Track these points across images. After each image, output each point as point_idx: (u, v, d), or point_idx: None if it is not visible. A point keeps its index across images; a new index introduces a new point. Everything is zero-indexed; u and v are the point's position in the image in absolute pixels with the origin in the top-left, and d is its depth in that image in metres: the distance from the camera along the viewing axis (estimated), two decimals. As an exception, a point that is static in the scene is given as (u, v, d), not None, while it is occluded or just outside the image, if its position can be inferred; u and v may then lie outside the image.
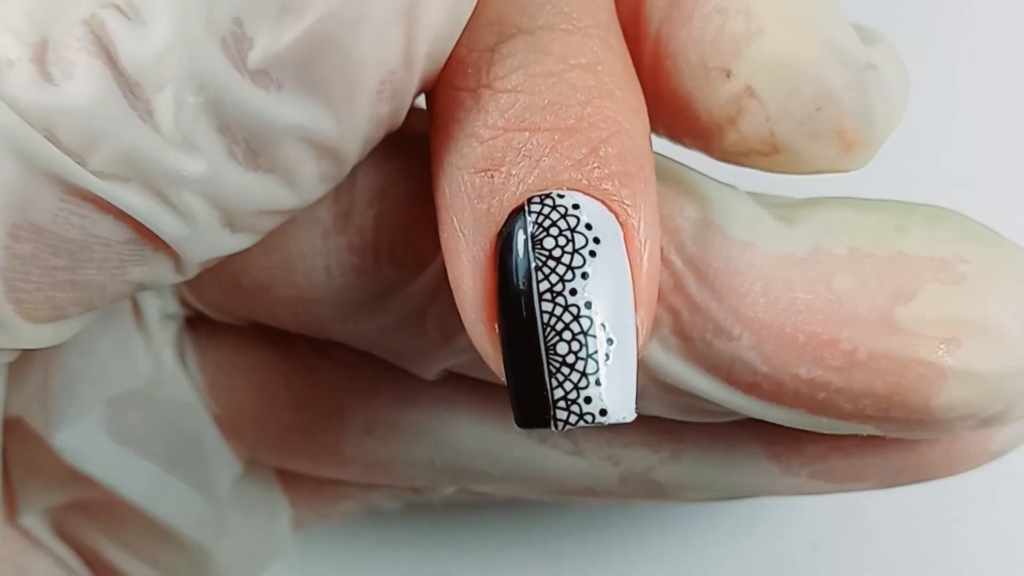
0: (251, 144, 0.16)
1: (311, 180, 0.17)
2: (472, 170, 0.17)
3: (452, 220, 0.17)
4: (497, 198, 0.17)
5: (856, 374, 0.18)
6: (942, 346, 0.18)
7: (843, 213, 0.19)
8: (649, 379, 0.19)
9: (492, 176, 0.16)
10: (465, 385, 0.22)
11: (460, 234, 0.17)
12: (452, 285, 0.17)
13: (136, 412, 0.22)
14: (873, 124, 0.18)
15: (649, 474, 0.23)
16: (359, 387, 0.23)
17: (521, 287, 0.16)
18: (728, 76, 0.18)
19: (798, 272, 0.18)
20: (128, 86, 0.15)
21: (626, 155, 0.17)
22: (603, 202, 0.16)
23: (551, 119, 0.16)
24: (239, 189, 0.16)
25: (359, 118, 0.16)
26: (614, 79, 0.17)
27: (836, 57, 0.18)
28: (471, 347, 0.18)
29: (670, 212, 0.18)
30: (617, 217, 0.17)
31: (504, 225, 0.16)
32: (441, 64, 0.17)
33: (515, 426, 0.17)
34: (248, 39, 0.15)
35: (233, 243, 0.17)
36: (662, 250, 0.18)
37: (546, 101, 0.17)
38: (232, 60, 0.15)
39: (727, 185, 0.19)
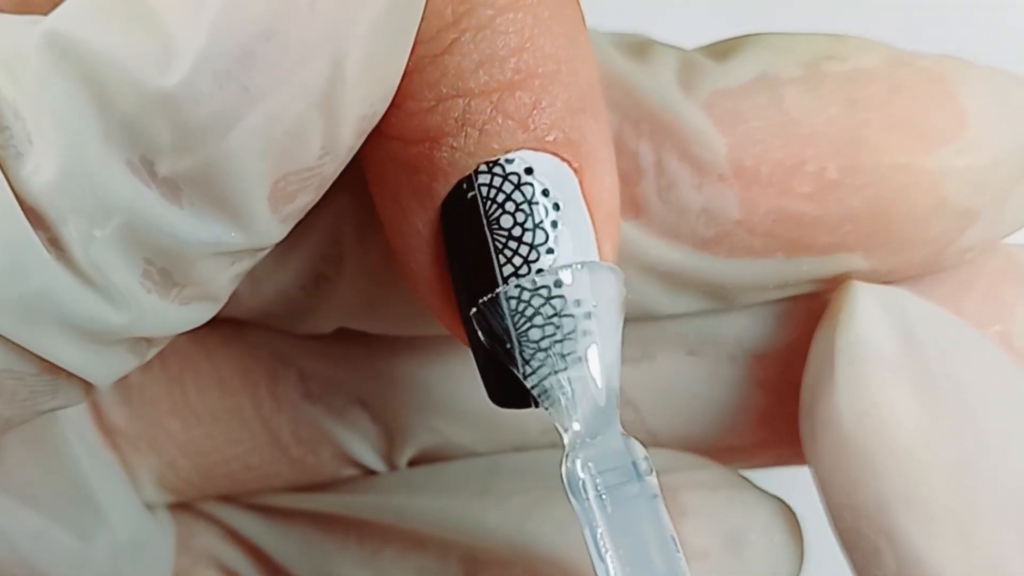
0: (165, 265, 0.15)
1: (228, 283, 0.16)
2: (406, 142, 0.15)
3: (387, 191, 0.16)
4: (440, 173, 0.15)
5: (830, 197, 0.17)
6: (917, 146, 0.17)
7: (780, 37, 0.18)
8: (630, 266, 0.18)
9: (432, 149, 0.15)
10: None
11: (399, 206, 0.16)
12: (398, 259, 0.16)
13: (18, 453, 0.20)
14: None
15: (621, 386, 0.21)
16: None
17: (481, 271, 0.15)
18: None
19: (745, 100, 0.17)
20: (28, 215, 0.14)
21: (571, 94, 0.15)
22: (555, 154, 0.15)
23: (485, 79, 0.15)
24: (158, 321, 0.15)
25: (273, 221, 0.15)
26: (545, 7, 0.15)
27: None
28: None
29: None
30: (570, 165, 0.15)
31: (448, 197, 0.15)
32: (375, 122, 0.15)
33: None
34: (150, 161, 0.14)
35: (149, 355, 0.16)
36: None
37: (477, 60, 0.15)
38: (140, 177, 0.14)
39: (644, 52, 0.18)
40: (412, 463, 0.22)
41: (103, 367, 0.15)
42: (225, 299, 0.16)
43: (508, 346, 0.15)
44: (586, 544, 0.15)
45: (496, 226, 0.15)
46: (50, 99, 0.14)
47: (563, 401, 0.15)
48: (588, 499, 0.15)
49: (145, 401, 0.21)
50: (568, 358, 0.15)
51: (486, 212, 0.15)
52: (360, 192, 0.18)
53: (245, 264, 0.15)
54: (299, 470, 0.22)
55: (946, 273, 0.19)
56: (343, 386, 0.21)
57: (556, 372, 0.15)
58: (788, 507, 0.19)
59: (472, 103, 0.15)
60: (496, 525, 0.20)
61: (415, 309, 0.20)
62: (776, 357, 0.20)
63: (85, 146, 0.14)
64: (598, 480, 0.15)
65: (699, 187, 0.18)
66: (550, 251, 0.15)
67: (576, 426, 0.15)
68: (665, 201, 0.18)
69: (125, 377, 0.20)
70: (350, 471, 0.22)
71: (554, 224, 0.15)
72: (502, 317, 0.15)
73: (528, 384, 0.15)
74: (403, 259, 0.16)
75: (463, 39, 0.15)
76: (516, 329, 0.15)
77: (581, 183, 0.15)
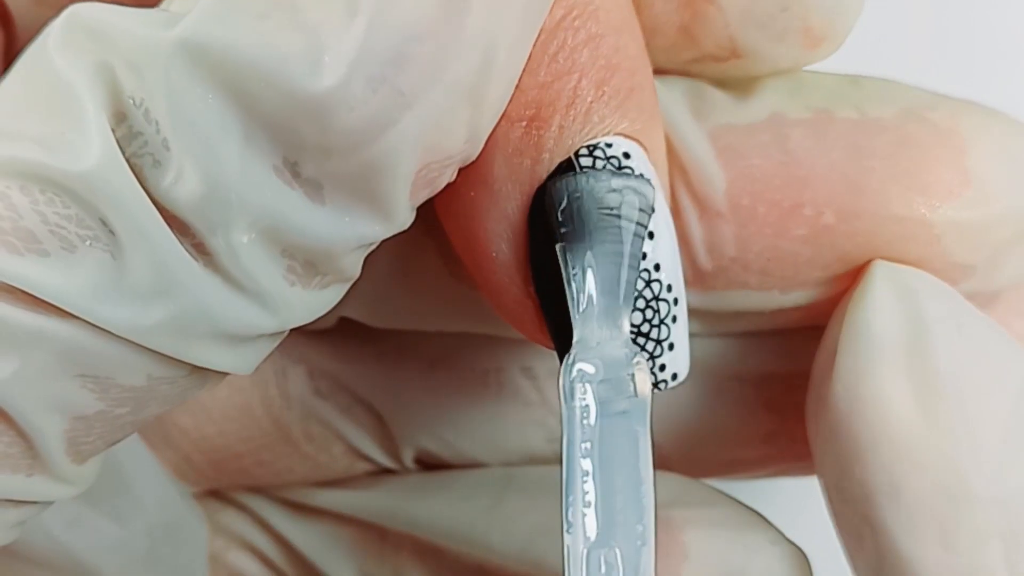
0: (308, 258, 0.14)
1: (360, 263, 0.16)
2: (511, 120, 0.15)
3: (477, 176, 0.15)
4: (546, 152, 0.15)
5: (824, 241, 0.17)
6: (919, 198, 0.17)
7: (797, 77, 0.18)
8: None
9: (538, 128, 0.15)
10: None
11: (490, 190, 0.15)
12: (472, 246, 0.16)
13: None
14: (842, 14, 0.17)
15: None
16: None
17: (581, 251, 0.15)
18: None
19: (750, 137, 0.17)
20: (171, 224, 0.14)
21: (648, 79, 0.15)
22: (639, 143, 0.15)
23: (592, 57, 0.15)
24: (303, 312, 0.15)
25: (409, 208, 0.15)
26: (623, 8, 0.15)
27: None
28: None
29: None
30: (648, 155, 0.15)
31: (548, 179, 0.15)
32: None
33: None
34: (294, 163, 0.14)
35: (284, 335, 0.16)
36: None
37: (584, 37, 0.15)
38: (284, 179, 0.14)
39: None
40: (420, 461, 0.22)
41: (250, 359, 0.16)
42: (357, 275, 0.16)
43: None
44: (562, 446, 0.15)
45: (602, 207, 0.15)
46: (189, 107, 0.13)
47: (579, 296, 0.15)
48: (574, 407, 0.15)
49: None
50: (663, 344, 0.15)
51: (589, 191, 0.15)
52: None
53: (376, 245, 0.15)
54: (312, 466, 0.22)
55: None
56: (349, 385, 0.22)
57: (655, 357, 0.15)
58: (799, 551, 0.19)
59: (583, 80, 0.15)
60: (501, 545, 0.20)
61: (425, 306, 0.20)
62: (781, 379, 0.20)
63: (230, 156, 0.13)
64: (587, 388, 0.15)
65: (699, 219, 0.18)
66: (651, 235, 0.15)
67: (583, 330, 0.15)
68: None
69: None
70: (363, 466, 0.22)
71: (652, 208, 0.15)
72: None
73: None
74: (481, 248, 0.16)
75: (572, 14, 0.15)
76: None
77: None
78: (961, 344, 0.17)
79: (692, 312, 0.19)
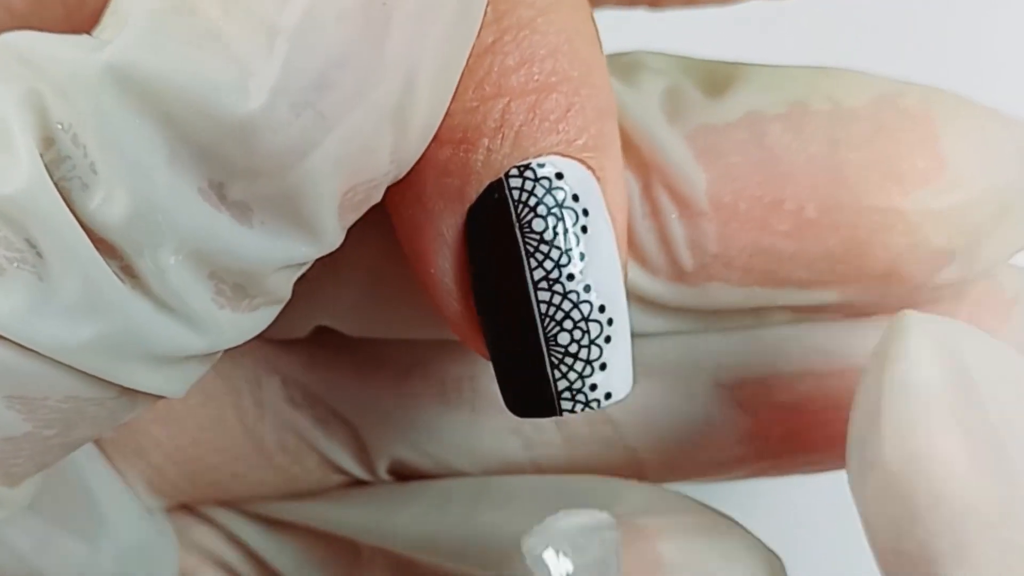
0: (238, 281, 0.15)
1: (290, 286, 0.16)
2: (440, 143, 0.15)
3: (411, 191, 0.16)
4: (473, 175, 0.15)
5: (808, 235, 0.17)
6: (895, 187, 0.17)
7: (769, 72, 0.18)
8: None
9: (466, 151, 0.15)
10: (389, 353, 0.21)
11: (423, 208, 0.16)
12: (415, 262, 0.16)
13: None
14: None
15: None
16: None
17: (510, 275, 0.15)
18: None
19: (728, 136, 0.17)
20: (98, 247, 0.14)
21: (599, 101, 0.15)
22: (581, 161, 0.15)
23: (525, 79, 0.15)
24: (234, 334, 0.15)
25: (338, 230, 0.15)
26: (575, 11, 0.15)
27: None
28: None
29: None
30: (594, 173, 0.15)
31: (478, 201, 0.15)
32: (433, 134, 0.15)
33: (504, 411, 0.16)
34: (220, 185, 0.14)
35: (216, 359, 0.16)
36: None
37: (518, 59, 0.15)
38: (210, 202, 0.14)
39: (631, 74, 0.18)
40: (394, 472, 0.22)
41: (180, 382, 0.15)
42: (288, 298, 0.16)
43: (536, 352, 0.15)
44: None
45: (528, 229, 0.15)
46: (117, 131, 0.13)
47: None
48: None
49: None
50: (594, 364, 0.15)
51: (518, 215, 0.15)
52: None
53: (306, 267, 0.15)
54: (285, 477, 0.22)
55: (925, 303, 0.19)
56: (323, 396, 0.21)
57: (584, 377, 0.15)
58: (775, 556, 0.19)
59: (512, 103, 0.15)
60: (476, 557, 0.20)
61: (400, 313, 0.20)
62: (758, 381, 0.20)
63: (156, 178, 0.13)
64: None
65: (679, 218, 0.18)
66: (582, 256, 0.15)
67: None
68: (648, 229, 0.18)
69: None
70: (337, 478, 0.22)
71: (584, 229, 0.15)
72: (530, 321, 0.15)
73: (557, 389, 0.15)
74: (422, 264, 0.16)
75: (505, 38, 0.15)
76: (545, 333, 0.15)
77: (603, 193, 0.15)
78: (1007, 390, 0.16)
79: (672, 309, 0.19)
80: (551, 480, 0.21)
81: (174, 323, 0.14)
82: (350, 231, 0.19)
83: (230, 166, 0.13)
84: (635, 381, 0.16)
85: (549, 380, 0.15)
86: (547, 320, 0.15)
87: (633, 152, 0.18)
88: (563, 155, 0.15)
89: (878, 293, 0.18)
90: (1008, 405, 0.16)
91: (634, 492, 0.20)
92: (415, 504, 0.21)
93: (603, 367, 0.15)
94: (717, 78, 0.18)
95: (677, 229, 0.18)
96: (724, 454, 0.20)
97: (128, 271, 0.14)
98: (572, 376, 0.15)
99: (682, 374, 0.20)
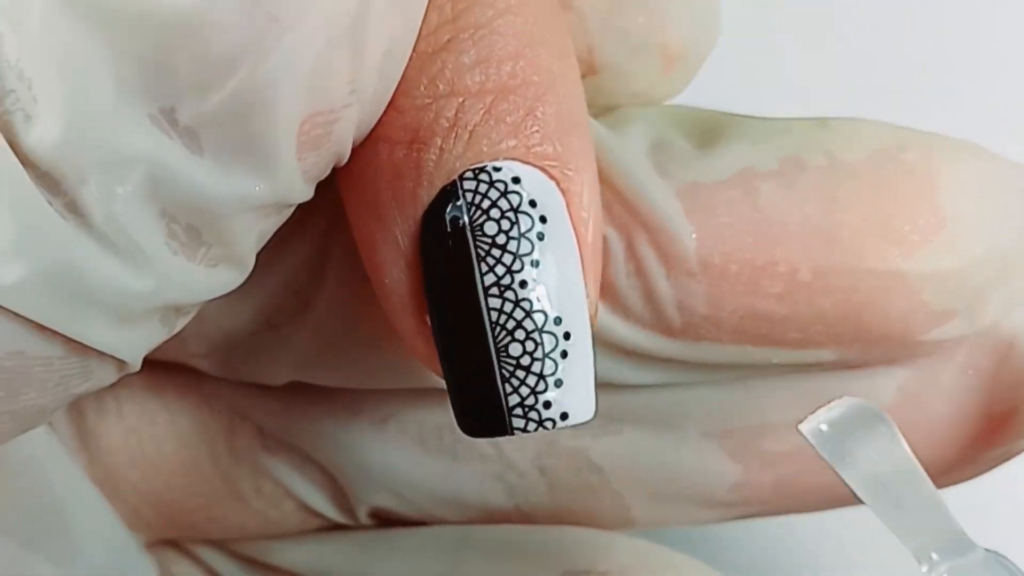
0: (191, 222, 0.14)
1: (253, 245, 0.15)
2: (393, 142, 0.15)
3: (365, 198, 0.15)
4: (425, 176, 0.15)
5: (800, 298, 0.17)
6: (894, 249, 0.16)
7: (762, 125, 0.17)
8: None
9: (419, 151, 0.14)
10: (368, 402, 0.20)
11: (377, 215, 0.15)
12: (369, 272, 0.16)
13: None
14: (698, 34, 0.16)
15: (585, 454, 0.20)
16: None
17: (460, 281, 0.14)
18: None
19: (719, 194, 0.17)
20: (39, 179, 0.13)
21: (563, 110, 0.15)
22: (543, 170, 0.15)
23: (481, 79, 0.14)
24: (185, 286, 0.14)
25: (297, 173, 0.14)
26: (542, 19, 0.15)
27: None
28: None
29: None
30: (558, 184, 0.15)
31: (432, 205, 0.15)
32: (397, 79, 0.15)
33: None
34: (170, 109, 0.13)
35: (179, 326, 0.15)
36: None
37: (475, 58, 0.14)
38: (160, 127, 0.13)
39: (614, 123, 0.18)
40: (376, 516, 0.21)
41: (133, 342, 0.15)
42: (251, 266, 0.15)
43: (486, 364, 0.15)
44: None
45: (480, 232, 0.14)
46: (57, 46, 0.13)
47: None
48: None
49: (103, 450, 0.21)
50: (548, 379, 0.15)
51: (470, 218, 0.14)
52: (320, 244, 0.18)
53: (271, 223, 0.15)
54: (263, 521, 0.22)
55: (923, 356, 0.18)
56: (299, 444, 0.21)
57: (536, 392, 0.15)
58: None
59: (466, 103, 0.14)
60: None
61: (370, 365, 0.19)
62: (747, 431, 0.19)
63: (103, 100, 0.13)
64: None
65: (667, 277, 0.17)
66: (535, 263, 0.14)
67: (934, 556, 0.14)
68: (633, 287, 0.17)
69: (82, 422, 0.21)
70: (316, 522, 0.22)
71: (540, 236, 0.15)
72: (480, 329, 0.15)
73: (508, 404, 0.15)
74: (377, 275, 0.16)
75: (462, 36, 0.14)
76: (496, 343, 0.15)
77: (568, 205, 0.15)
78: None
79: (661, 361, 0.18)
80: (535, 531, 0.20)
81: (117, 260, 0.14)
82: (322, 272, 0.18)
83: (175, 78, 0.13)
84: (597, 409, 0.15)
85: (500, 394, 0.15)
86: (498, 329, 0.14)
87: (618, 207, 0.17)
88: (522, 160, 0.15)
89: (876, 350, 0.18)
90: None
91: (622, 547, 0.20)
92: (397, 552, 0.21)
93: (558, 384, 0.15)
94: (708, 129, 0.18)
95: (665, 289, 0.17)
96: (713, 501, 0.20)
97: (72, 207, 0.13)
98: (524, 391, 0.15)
99: (670, 423, 0.20)
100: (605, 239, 0.17)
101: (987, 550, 0.14)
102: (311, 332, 0.19)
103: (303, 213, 0.17)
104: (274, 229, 0.15)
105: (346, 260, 0.18)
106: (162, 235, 0.14)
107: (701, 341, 0.17)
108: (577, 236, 0.15)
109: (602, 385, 0.18)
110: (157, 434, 0.21)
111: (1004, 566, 0.14)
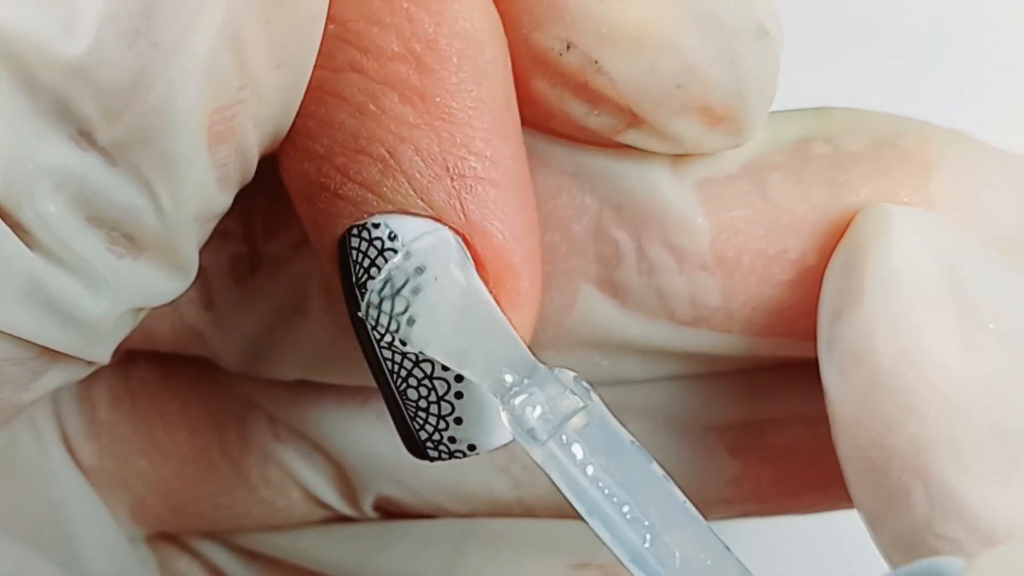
0: (127, 232, 0.14)
1: (193, 250, 0.15)
2: (297, 196, 0.16)
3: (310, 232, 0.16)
4: (315, 229, 0.16)
5: (808, 282, 0.17)
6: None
7: (769, 119, 0.17)
8: (607, 343, 0.18)
9: (308, 205, 0.15)
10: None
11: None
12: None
13: None
14: (747, 98, 0.16)
15: None
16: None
17: (361, 332, 0.15)
18: (568, 48, 0.16)
19: (730, 188, 0.17)
20: None
21: (425, 159, 0.15)
22: (422, 216, 0.15)
23: (327, 143, 0.15)
24: (139, 290, 0.15)
25: (213, 174, 0.15)
26: (393, 68, 0.15)
27: (702, 25, 0.15)
28: None
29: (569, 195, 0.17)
30: (451, 227, 0.15)
31: (336, 254, 0.15)
32: (302, 79, 0.15)
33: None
34: (88, 132, 0.14)
35: (141, 317, 0.16)
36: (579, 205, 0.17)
37: (318, 122, 0.15)
38: (80, 146, 0.14)
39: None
40: (380, 508, 0.22)
41: (100, 344, 0.15)
42: (195, 270, 0.16)
43: (396, 403, 0.16)
44: (560, 489, 0.14)
45: (365, 289, 0.15)
46: None
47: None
48: (545, 443, 0.14)
49: (114, 439, 0.22)
50: (447, 419, 0.15)
51: (356, 276, 0.15)
52: None
53: (206, 228, 0.15)
54: (270, 511, 0.22)
55: None
56: (308, 433, 0.21)
57: (440, 430, 0.15)
58: None
59: (321, 167, 0.15)
60: None
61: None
62: (747, 425, 0.20)
63: (19, 129, 0.13)
64: (546, 422, 0.14)
65: (680, 274, 0.17)
66: (411, 321, 0.15)
67: (508, 378, 0.15)
68: (645, 286, 0.18)
69: (94, 413, 0.21)
70: (322, 512, 0.22)
71: (415, 291, 0.15)
72: (383, 375, 0.15)
73: (420, 438, 0.16)
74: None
75: (306, 99, 0.15)
76: (397, 389, 0.15)
77: (467, 244, 0.15)
78: (992, 281, 0.16)
79: (670, 355, 0.18)
80: (539, 524, 0.21)
81: (71, 277, 0.14)
82: (325, 293, 0.19)
83: (83, 109, 0.13)
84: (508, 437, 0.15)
85: (412, 430, 0.16)
86: (395, 377, 0.15)
87: (629, 210, 0.17)
88: (400, 213, 0.15)
89: None
90: (993, 298, 0.16)
91: None
92: (400, 544, 0.21)
93: (458, 421, 0.15)
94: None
95: (678, 285, 0.17)
96: (712, 496, 0.20)
97: (18, 228, 0.14)
98: (429, 428, 0.16)
99: (671, 417, 0.20)
100: (617, 243, 0.17)
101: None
102: (309, 338, 0.19)
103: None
104: (207, 235, 0.15)
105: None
106: (102, 244, 0.14)
107: (712, 332, 0.18)
108: (487, 270, 0.15)
109: (609, 384, 0.19)
110: (169, 422, 0.21)
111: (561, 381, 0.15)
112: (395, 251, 0.15)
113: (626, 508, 0.14)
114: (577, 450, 0.14)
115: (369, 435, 0.21)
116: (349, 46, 0.15)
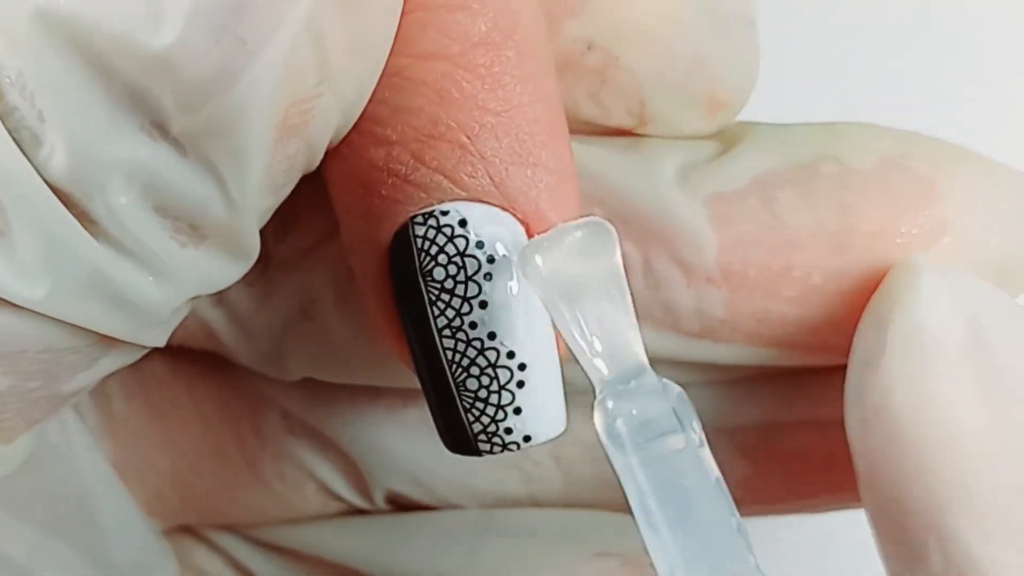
0: (192, 222, 0.14)
1: (251, 234, 0.15)
2: (344, 188, 0.15)
3: (346, 236, 0.16)
4: (374, 220, 0.15)
5: (813, 301, 0.17)
6: (900, 254, 0.17)
7: (775, 133, 0.18)
8: None
9: (367, 196, 0.15)
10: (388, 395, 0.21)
11: (354, 252, 0.16)
12: (362, 290, 0.16)
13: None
14: (741, 81, 0.17)
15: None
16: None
17: (417, 323, 0.15)
18: (589, 48, 0.16)
19: (738, 203, 0.17)
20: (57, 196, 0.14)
21: (503, 146, 0.15)
22: (496, 205, 0.15)
23: (402, 128, 0.15)
24: (200, 278, 0.15)
25: (284, 159, 0.15)
26: (476, 57, 0.15)
27: (705, 15, 0.16)
28: None
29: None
30: (514, 214, 0.15)
31: (391, 247, 0.15)
32: (376, 70, 0.15)
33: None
34: (161, 124, 0.14)
35: (194, 303, 0.16)
36: None
37: (393, 108, 0.15)
38: (152, 137, 0.14)
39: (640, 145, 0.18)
40: (392, 502, 0.22)
41: (157, 332, 0.15)
42: (256, 254, 0.16)
43: (449, 396, 0.15)
44: (627, 499, 0.14)
45: (430, 278, 0.15)
46: (51, 76, 0.13)
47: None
48: (628, 454, 0.14)
49: (129, 432, 0.22)
50: (506, 409, 0.15)
51: (420, 264, 0.15)
52: (336, 259, 0.19)
53: (267, 215, 0.15)
54: (284, 506, 0.22)
55: None
56: (320, 428, 0.21)
57: (497, 421, 0.15)
58: None
59: (393, 152, 0.15)
60: None
61: (379, 362, 0.20)
62: (758, 428, 0.20)
63: (98, 119, 0.13)
64: (637, 434, 0.14)
65: (687, 287, 0.18)
66: (484, 304, 0.15)
67: (604, 371, 0.14)
68: (652, 299, 0.18)
69: (109, 406, 0.21)
70: (336, 506, 0.22)
71: (488, 276, 0.15)
72: (439, 365, 0.15)
73: (473, 431, 0.15)
74: (365, 302, 0.16)
75: (380, 85, 0.15)
76: (454, 379, 0.15)
77: (529, 234, 0.15)
78: (1017, 339, 0.16)
79: (671, 363, 0.19)
80: (558, 514, 0.21)
81: (136, 266, 0.14)
82: (334, 296, 0.19)
83: (160, 103, 0.13)
84: (568, 422, 0.16)
85: (464, 423, 0.15)
86: (455, 367, 0.15)
87: (636, 223, 0.18)
88: (471, 201, 0.15)
89: None
90: (1015, 353, 0.16)
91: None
92: (418, 536, 0.21)
93: (517, 411, 0.15)
94: (720, 137, 0.18)
95: (684, 298, 0.18)
96: None
97: (86, 219, 0.14)
98: (485, 420, 0.15)
99: None
100: (624, 256, 0.17)
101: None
102: (318, 339, 0.20)
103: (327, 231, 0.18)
104: (266, 220, 0.16)
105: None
106: (167, 234, 0.14)
107: (717, 344, 0.18)
108: None
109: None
110: (182, 417, 0.22)
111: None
112: (465, 238, 0.15)
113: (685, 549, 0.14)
114: (657, 477, 0.14)
115: (380, 431, 0.21)
116: (435, 32, 0.15)
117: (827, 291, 0.17)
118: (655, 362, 0.18)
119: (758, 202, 0.17)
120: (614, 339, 0.14)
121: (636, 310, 0.18)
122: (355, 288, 0.19)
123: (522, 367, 0.15)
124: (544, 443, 0.16)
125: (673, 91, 0.17)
